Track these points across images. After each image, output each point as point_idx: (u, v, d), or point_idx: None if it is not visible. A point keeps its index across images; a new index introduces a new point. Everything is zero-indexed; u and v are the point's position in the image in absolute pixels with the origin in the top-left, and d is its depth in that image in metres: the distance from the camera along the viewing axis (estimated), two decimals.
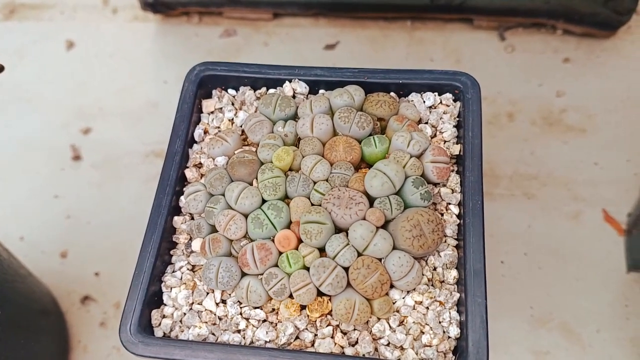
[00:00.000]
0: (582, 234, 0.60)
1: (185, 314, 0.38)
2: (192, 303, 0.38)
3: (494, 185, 0.63)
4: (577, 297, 0.58)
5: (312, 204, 0.38)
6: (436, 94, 0.43)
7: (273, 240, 0.38)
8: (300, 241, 0.37)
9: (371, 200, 0.38)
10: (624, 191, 0.62)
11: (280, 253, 0.37)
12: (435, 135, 0.42)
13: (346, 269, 0.36)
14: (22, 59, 0.76)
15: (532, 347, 0.56)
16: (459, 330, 0.36)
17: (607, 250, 0.59)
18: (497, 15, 0.69)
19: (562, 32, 0.71)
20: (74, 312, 0.62)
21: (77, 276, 0.63)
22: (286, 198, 0.39)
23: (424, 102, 0.43)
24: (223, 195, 0.39)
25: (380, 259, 0.37)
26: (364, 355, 0.35)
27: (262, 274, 0.37)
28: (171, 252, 0.40)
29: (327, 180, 0.39)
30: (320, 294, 0.37)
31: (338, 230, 0.38)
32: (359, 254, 0.37)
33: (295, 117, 0.42)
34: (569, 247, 0.60)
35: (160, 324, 0.38)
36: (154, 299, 0.39)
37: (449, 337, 0.36)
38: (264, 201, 0.39)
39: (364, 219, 0.37)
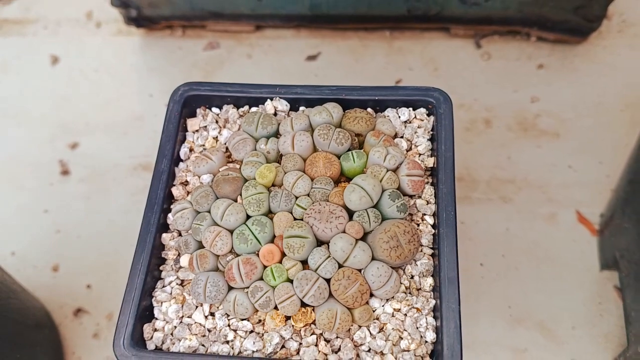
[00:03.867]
0: (556, 235, 0.63)
1: (175, 327, 0.40)
2: (182, 316, 0.40)
3: (472, 190, 0.66)
4: (553, 296, 0.60)
5: (295, 219, 0.40)
6: (411, 109, 0.45)
7: (258, 255, 0.39)
8: (283, 255, 0.39)
9: (350, 214, 0.40)
10: (596, 193, 0.64)
11: (265, 267, 0.39)
12: (410, 149, 0.44)
13: (328, 281, 0.38)
14: (6, 74, 0.77)
15: (511, 344, 0.58)
16: (435, 335, 0.38)
17: (580, 250, 0.62)
18: (473, 24, 0.72)
19: (536, 39, 0.73)
20: (67, 324, 0.63)
21: (69, 289, 0.65)
22: (270, 213, 0.41)
23: (399, 117, 0.45)
24: (209, 212, 0.41)
25: (360, 270, 0.39)
26: None
27: (248, 288, 0.39)
28: (161, 268, 0.42)
29: (308, 195, 0.41)
30: (303, 304, 0.39)
31: (319, 243, 0.40)
32: (340, 266, 0.39)
33: (277, 134, 0.44)
34: (544, 248, 0.62)
35: (152, 337, 0.40)
36: (146, 314, 0.40)
37: (426, 342, 0.38)
38: (248, 217, 0.40)
39: (344, 232, 0.39)
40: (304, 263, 0.39)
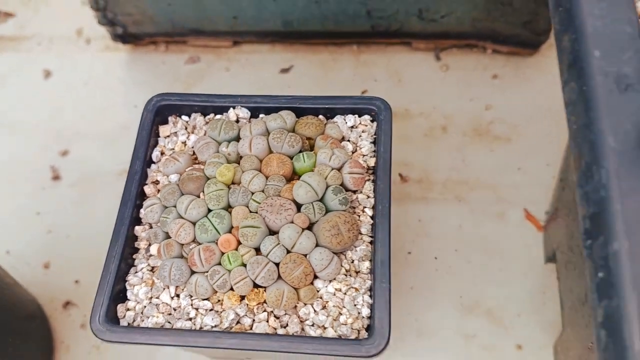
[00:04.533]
0: (505, 231, 0.68)
1: (145, 306, 0.45)
2: (151, 297, 0.46)
3: (429, 191, 0.71)
4: (501, 286, 0.66)
5: (250, 212, 0.46)
6: (356, 116, 0.51)
7: (217, 243, 0.45)
8: (239, 243, 0.45)
9: (298, 207, 0.46)
10: (543, 192, 0.70)
11: (223, 253, 0.45)
12: (355, 151, 0.50)
13: (277, 264, 0.44)
14: (2, 87, 0.84)
15: (462, 331, 0.64)
16: (369, 311, 0.43)
17: (527, 244, 0.67)
18: (432, 38, 0.78)
19: (492, 52, 0.79)
20: (57, 316, 0.69)
21: (59, 284, 0.70)
22: (229, 207, 0.47)
23: (346, 123, 0.51)
24: (175, 206, 0.47)
25: (305, 255, 0.44)
26: (292, 334, 0.43)
27: (207, 272, 0.44)
28: (134, 257, 0.48)
29: (262, 191, 0.47)
30: (256, 285, 0.44)
31: (271, 232, 0.45)
32: (288, 252, 0.44)
33: (237, 138, 0.50)
34: (494, 243, 0.68)
35: (125, 316, 0.45)
36: (120, 296, 0.46)
37: (362, 317, 0.44)
38: (209, 210, 0.46)
39: (292, 222, 0.45)
40: (257, 250, 0.45)
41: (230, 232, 0.46)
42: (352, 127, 0.51)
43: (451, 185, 0.71)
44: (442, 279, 0.67)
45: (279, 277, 0.44)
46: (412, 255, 0.68)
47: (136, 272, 0.47)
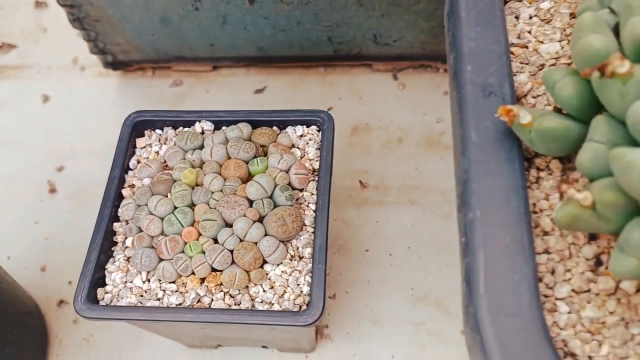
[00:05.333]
0: (452, 229, 0.76)
1: (120, 289, 0.53)
2: (126, 282, 0.54)
3: (385, 195, 0.79)
4: (448, 279, 0.73)
5: (210, 208, 0.54)
6: (305, 126, 0.60)
7: (181, 235, 0.53)
8: (200, 234, 0.53)
9: (251, 203, 0.54)
10: None
11: (186, 243, 0.53)
12: (303, 156, 0.58)
13: (231, 251, 0.52)
14: (4, 110, 0.93)
15: (412, 319, 0.71)
16: (309, 289, 0.51)
17: None
18: (389, 60, 0.86)
19: (443, 71, 0.88)
20: (52, 313, 0.77)
21: (54, 285, 0.78)
22: (192, 205, 0.55)
23: (296, 132, 0.59)
24: (147, 205, 0.55)
25: (255, 243, 0.52)
26: (245, 309, 0.51)
27: (172, 259, 0.52)
28: (112, 249, 0.56)
29: (221, 190, 0.55)
30: (213, 269, 0.52)
31: (227, 225, 0.54)
32: (241, 240, 0.52)
33: (201, 147, 0.59)
34: (442, 241, 0.75)
35: (103, 298, 0.53)
36: (99, 281, 0.54)
37: (303, 294, 0.51)
38: (175, 208, 0.54)
39: (245, 215, 0.53)
40: (215, 240, 0.53)
41: (192, 225, 0.54)
42: (300, 136, 0.60)
43: (405, 190, 0.79)
44: (395, 273, 0.74)
45: (233, 261, 0.52)
46: (369, 253, 0.76)
47: (114, 262, 0.55)
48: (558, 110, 0.38)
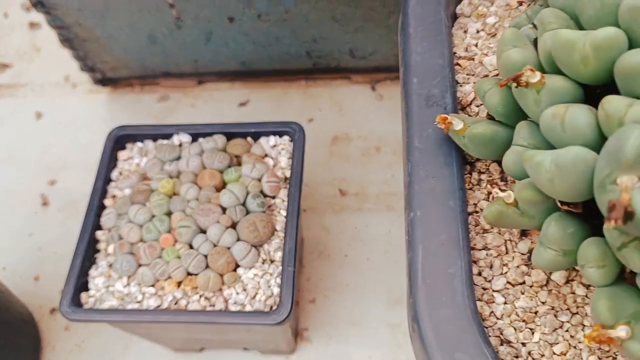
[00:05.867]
0: None
1: (103, 293, 0.56)
2: (108, 286, 0.57)
3: (364, 202, 0.82)
4: None
5: (186, 215, 0.57)
6: (277, 136, 0.63)
7: (158, 241, 0.57)
8: (176, 240, 0.56)
9: (224, 210, 0.57)
10: None
11: (163, 249, 0.56)
12: (275, 165, 0.62)
13: (206, 256, 0.55)
14: (0, 127, 0.97)
15: (389, 321, 0.74)
16: (279, 290, 0.54)
17: None
18: (366, 72, 0.90)
19: None
20: (45, 321, 0.80)
21: (47, 294, 0.82)
22: (170, 213, 0.58)
23: (269, 143, 0.63)
24: (127, 214, 0.58)
25: (228, 248, 0.56)
26: (218, 310, 0.54)
27: (150, 264, 0.56)
28: (95, 256, 0.59)
29: (197, 199, 0.58)
30: (189, 273, 0.55)
31: (202, 231, 0.57)
32: (214, 245, 0.56)
33: (179, 158, 0.62)
34: None
35: (87, 302, 0.56)
36: (84, 286, 0.57)
37: (274, 295, 0.54)
38: (153, 216, 0.58)
39: (218, 222, 0.56)
40: (191, 246, 0.56)
41: (169, 232, 0.57)
42: (273, 146, 0.63)
43: (383, 196, 0.83)
44: (373, 277, 0.77)
45: (207, 265, 0.55)
46: (348, 258, 0.79)
47: (97, 268, 0.58)
48: (491, 118, 0.41)
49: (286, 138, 0.63)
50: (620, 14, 0.30)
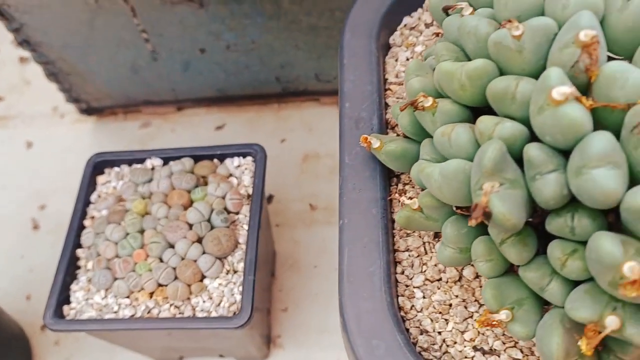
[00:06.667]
0: None
1: (83, 306, 0.62)
2: (88, 299, 0.62)
3: (332, 216, 0.88)
4: None
5: (157, 232, 0.63)
6: (241, 157, 0.69)
7: (132, 256, 0.62)
8: (148, 255, 0.62)
9: (191, 226, 0.63)
10: None
11: (136, 263, 0.62)
12: (239, 184, 0.67)
13: (174, 268, 0.61)
14: None
15: (336, 326, 0.79)
16: (241, 297, 0.60)
17: None
18: (333, 94, 0.96)
19: None
20: (36, 337, 0.85)
21: (37, 312, 0.87)
22: (143, 231, 0.64)
23: (233, 163, 0.69)
24: (104, 232, 0.64)
25: (195, 260, 0.61)
26: (186, 317, 0.59)
27: (125, 277, 0.61)
28: (77, 272, 0.65)
29: (166, 217, 0.64)
30: (160, 285, 0.61)
31: (171, 246, 0.63)
32: (182, 259, 0.61)
33: (151, 180, 0.68)
34: None
35: (69, 314, 0.62)
36: (66, 300, 0.63)
37: (236, 302, 0.60)
38: (127, 234, 0.64)
39: (185, 237, 0.62)
40: (161, 259, 0.62)
41: (142, 247, 0.63)
42: (237, 166, 0.69)
43: None
44: (320, 283, 0.82)
45: (176, 277, 0.61)
46: (317, 268, 0.84)
47: (78, 283, 0.64)
48: (406, 136, 0.47)
49: (249, 158, 0.69)
50: (489, 48, 0.36)
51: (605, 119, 0.32)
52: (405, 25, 0.58)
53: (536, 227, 0.37)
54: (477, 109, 0.39)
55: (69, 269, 0.63)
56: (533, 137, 0.34)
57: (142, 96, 0.98)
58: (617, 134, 0.31)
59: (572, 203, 0.33)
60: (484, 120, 0.35)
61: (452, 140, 0.37)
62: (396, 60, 0.56)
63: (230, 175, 0.68)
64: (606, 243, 0.29)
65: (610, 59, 0.34)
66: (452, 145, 0.37)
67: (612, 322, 0.31)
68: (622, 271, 0.28)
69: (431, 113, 0.39)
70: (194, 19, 0.79)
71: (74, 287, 0.63)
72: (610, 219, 0.33)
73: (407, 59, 0.56)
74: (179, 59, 0.89)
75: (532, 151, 0.32)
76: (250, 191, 0.66)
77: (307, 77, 0.92)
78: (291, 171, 0.94)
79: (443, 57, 0.40)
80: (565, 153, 0.32)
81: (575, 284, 0.34)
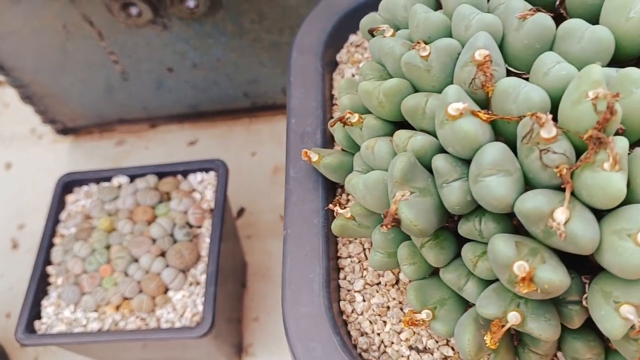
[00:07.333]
0: None
1: (53, 320, 0.64)
2: (58, 313, 0.65)
3: None
4: None
5: (123, 247, 0.66)
6: (204, 172, 0.72)
7: (99, 271, 0.65)
8: (114, 270, 0.65)
9: (155, 241, 0.66)
10: None
11: (103, 278, 0.64)
12: (202, 198, 0.70)
13: (139, 282, 0.63)
14: None
15: None
16: (203, 307, 0.62)
17: None
18: None
19: None
20: (15, 353, 0.87)
21: None
22: (109, 246, 0.67)
23: (196, 179, 0.71)
24: (72, 249, 0.67)
25: (158, 274, 0.64)
26: (151, 328, 0.62)
27: (92, 292, 0.64)
28: (47, 288, 0.67)
29: (132, 232, 0.67)
30: (126, 298, 0.63)
31: (135, 260, 0.65)
32: (147, 272, 0.64)
33: (117, 197, 0.71)
34: None
35: (40, 329, 0.64)
36: (37, 315, 0.65)
37: (199, 313, 0.62)
38: (94, 250, 0.66)
39: (149, 251, 0.64)
40: (126, 274, 0.65)
41: (108, 263, 0.65)
42: (200, 181, 0.71)
43: None
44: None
45: (141, 290, 0.63)
46: None
47: (49, 299, 0.66)
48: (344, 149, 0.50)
49: (212, 173, 0.72)
50: (402, 67, 0.39)
51: (506, 130, 0.35)
52: (351, 43, 0.61)
53: (455, 231, 0.39)
54: (400, 123, 0.42)
55: (40, 285, 0.66)
56: (443, 149, 0.36)
57: (116, 115, 1.01)
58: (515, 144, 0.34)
59: (480, 208, 0.35)
60: (399, 134, 0.38)
61: (375, 152, 0.40)
62: (342, 76, 0.59)
63: (194, 190, 0.71)
64: (500, 244, 0.32)
65: (510, 73, 0.37)
66: (376, 157, 0.40)
67: (513, 318, 0.33)
68: (512, 270, 0.31)
69: (359, 128, 0.42)
70: (159, 40, 0.82)
71: (44, 302, 0.66)
72: (515, 222, 0.36)
73: (353, 75, 0.59)
74: (148, 79, 0.92)
75: (438, 162, 0.35)
76: (212, 205, 0.69)
77: (274, 91, 0.95)
78: (262, 183, 0.97)
79: (367, 76, 0.43)
80: (469, 162, 0.35)
81: (489, 283, 0.37)
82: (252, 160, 0.99)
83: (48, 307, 0.65)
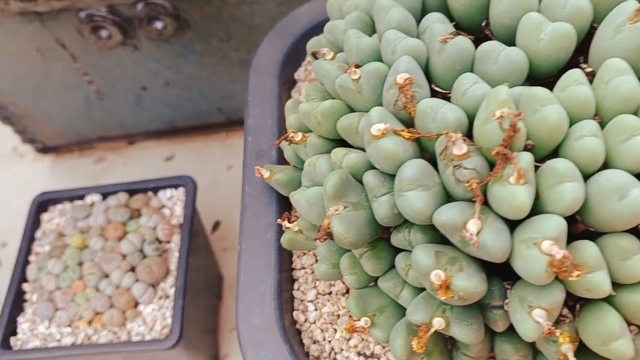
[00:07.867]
0: None
1: (28, 336, 0.66)
2: (33, 329, 0.67)
3: None
4: None
5: (95, 263, 0.68)
6: (174, 189, 0.74)
7: (72, 287, 0.67)
8: (86, 286, 0.67)
9: (125, 256, 0.68)
10: None
11: (75, 294, 0.66)
12: (172, 214, 0.72)
13: (110, 297, 0.66)
14: None
15: None
16: (172, 320, 0.65)
17: None
18: None
19: None
20: None
21: None
22: (81, 263, 0.69)
23: (166, 195, 0.74)
24: (46, 266, 0.69)
25: (128, 289, 0.66)
26: (122, 341, 0.64)
27: (65, 307, 0.66)
28: (23, 305, 0.69)
29: (103, 249, 0.69)
30: (97, 313, 0.65)
31: (106, 275, 0.67)
32: (117, 287, 0.66)
33: (89, 215, 0.73)
34: None
35: (16, 345, 0.66)
36: (13, 331, 0.67)
37: (168, 325, 0.65)
38: (67, 267, 0.68)
39: (119, 267, 0.67)
40: (98, 289, 0.67)
41: (80, 279, 0.67)
42: (170, 197, 0.74)
43: None
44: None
45: (112, 305, 0.65)
46: None
47: (24, 315, 0.68)
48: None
49: (181, 190, 0.74)
50: (337, 89, 0.41)
51: (429, 148, 0.37)
52: (309, 62, 0.64)
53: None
54: (340, 140, 0.44)
55: (16, 302, 0.68)
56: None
57: (95, 133, 1.03)
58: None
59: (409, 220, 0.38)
60: (336, 152, 0.40)
61: (317, 169, 0.42)
62: (300, 94, 0.61)
63: (163, 206, 0.73)
64: (420, 254, 0.34)
65: (436, 93, 0.40)
66: (317, 173, 0.42)
67: (437, 323, 0.36)
68: (430, 278, 0.33)
69: (303, 146, 0.44)
70: (131, 60, 0.85)
71: (20, 319, 0.68)
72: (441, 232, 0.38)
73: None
74: (124, 97, 0.94)
75: (368, 177, 0.37)
76: (181, 221, 0.71)
77: None
78: (238, 197, 0.98)
79: (311, 96, 0.45)
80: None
81: (422, 290, 0.39)
82: (228, 174, 1.02)
83: (23, 323, 0.67)
